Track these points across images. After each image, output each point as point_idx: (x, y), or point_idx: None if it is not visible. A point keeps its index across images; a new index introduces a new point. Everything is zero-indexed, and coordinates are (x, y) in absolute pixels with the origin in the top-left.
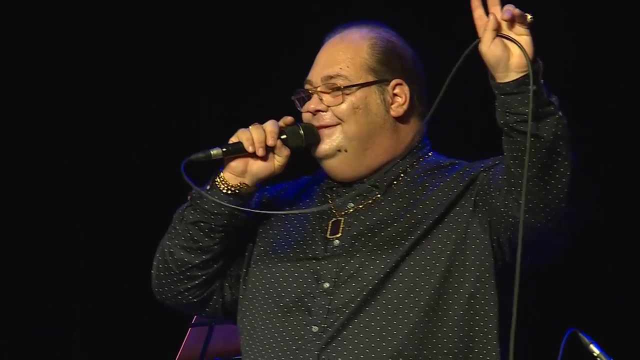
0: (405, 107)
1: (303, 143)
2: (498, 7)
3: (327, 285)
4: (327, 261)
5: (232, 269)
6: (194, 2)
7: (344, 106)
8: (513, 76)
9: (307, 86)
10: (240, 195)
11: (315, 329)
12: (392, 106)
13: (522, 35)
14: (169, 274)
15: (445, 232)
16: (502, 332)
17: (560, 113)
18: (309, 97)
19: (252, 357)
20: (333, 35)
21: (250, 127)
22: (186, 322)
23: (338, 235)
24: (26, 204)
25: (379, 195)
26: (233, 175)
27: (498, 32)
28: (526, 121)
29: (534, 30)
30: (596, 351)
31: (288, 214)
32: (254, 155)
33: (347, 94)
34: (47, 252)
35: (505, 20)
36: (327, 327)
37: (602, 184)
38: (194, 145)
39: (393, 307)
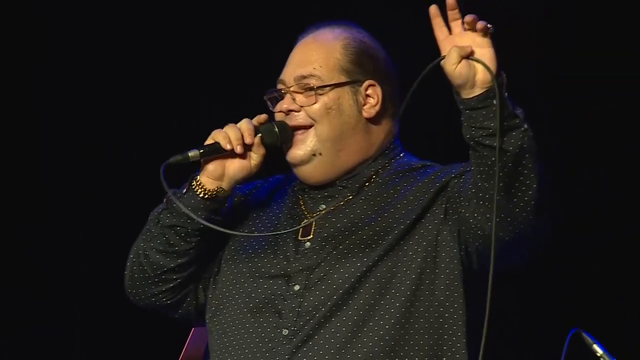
0: (377, 108)
1: (278, 141)
2: (459, 22)
3: (297, 287)
4: (298, 263)
5: (205, 271)
6: (194, 2)
7: (316, 106)
8: (478, 91)
9: (279, 86)
10: (217, 199)
11: (285, 332)
12: (365, 107)
13: (484, 48)
14: (143, 277)
15: (416, 238)
16: (471, 338)
17: (525, 125)
18: (281, 96)
19: (221, 357)
20: (306, 35)
21: (225, 127)
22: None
23: (309, 237)
24: (26, 204)
25: (350, 197)
26: (210, 179)
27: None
28: (492, 135)
29: (495, 40)
30: (599, 351)
31: (259, 236)
32: (231, 154)
33: (320, 94)
34: (47, 252)
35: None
36: (297, 330)
37: (602, 184)
38: (194, 146)
39: (364, 313)
